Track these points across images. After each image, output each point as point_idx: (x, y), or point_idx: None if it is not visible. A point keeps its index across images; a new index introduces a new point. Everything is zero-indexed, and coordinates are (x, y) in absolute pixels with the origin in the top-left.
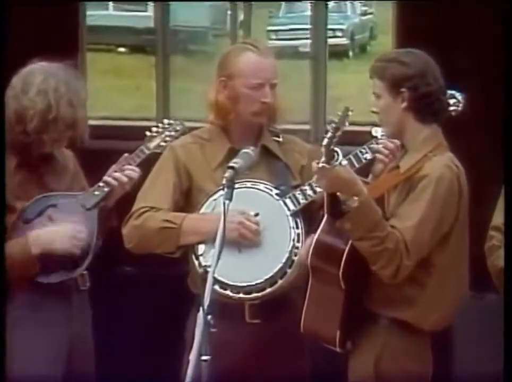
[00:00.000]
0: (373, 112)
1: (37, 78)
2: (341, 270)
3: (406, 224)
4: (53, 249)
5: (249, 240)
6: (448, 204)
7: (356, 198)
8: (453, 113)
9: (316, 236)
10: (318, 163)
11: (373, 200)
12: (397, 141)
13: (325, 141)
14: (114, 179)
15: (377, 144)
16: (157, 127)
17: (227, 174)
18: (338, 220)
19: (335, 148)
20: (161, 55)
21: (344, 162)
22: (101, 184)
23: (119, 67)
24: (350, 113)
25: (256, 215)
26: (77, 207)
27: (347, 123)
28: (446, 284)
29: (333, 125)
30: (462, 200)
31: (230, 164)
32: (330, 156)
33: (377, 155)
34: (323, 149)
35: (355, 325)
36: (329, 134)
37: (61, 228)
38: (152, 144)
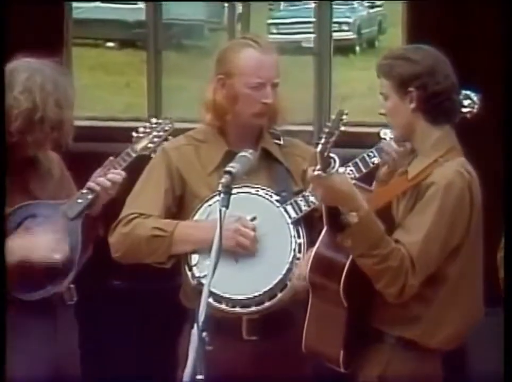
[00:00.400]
0: (381, 114)
1: (22, 75)
2: (341, 286)
3: (411, 238)
4: (31, 260)
5: (246, 249)
6: (457, 215)
7: (355, 213)
8: (468, 115)
9: (314, 249)
10: (313, 171)
11: (379, 209)
12: (406, 146)
13: (319, 148)
14: (98, 184)
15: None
16: (144, 127)
17: (223, 180)
18: (338, 235)
19: (332, 155)
20: (152, 51)
21: (342, 170)
22: (84, 191)
23: (107, 63)
24: (344, 116)
25: (253, 219)
26: (58, 217)
27: (341, 128)
28: (455, 299)
29: (326, 130)
30: (475, 210)
31: (227, 169)
32: (326, 163)
33: (382, 155)
34: (317, 156)
35: (359, 344)
36: (322, 140)
37: (39, 238)
38: (139, 146)
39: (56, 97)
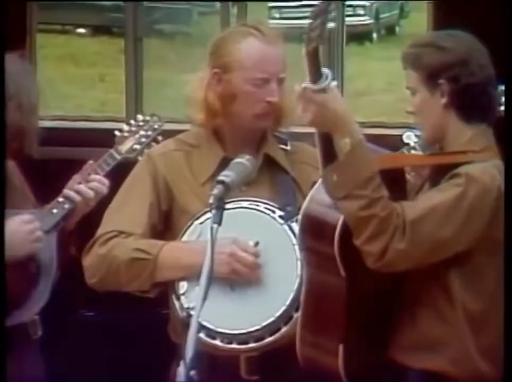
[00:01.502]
0: (409, 112)
1: None
2: (335, 245)
3: (413, 204)
4: (7, 257)
5: (244, 277)
6: (475, 213)
7: (347, 140)
8: (504, 115)
9: (304, 205)
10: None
11: (391, 185)
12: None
13: (305, 47)
14: (77, 192)
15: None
16: (129, 124)
17: (215, 191)
18: (324, 170)
19: (323, 69)
20: (131, 38)
21: (334, 83)
22: (60, 199)
23: (78, 53)
24: (332, 6)
25: (256, 244)
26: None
27: (329, 15)
28: (483, 324)
29: (312, 14)
30: (499, 219)
31: (219, 178)
32: (316, 72)
33: None
34: (305, 61)
35: (362, 344)
36: (307, 34)
37: (8, 229)
38: (124, 147)
39: (17, 102)
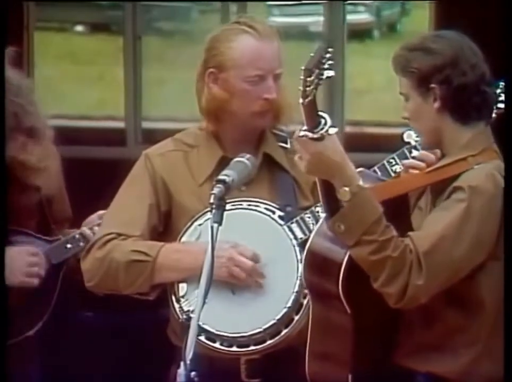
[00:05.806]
0: (404, 118)
1: None
2: (340, 286)
3: (422, 233)
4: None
5: (242, 281)
6: (485, 224)
7: (346, 188)
8: (503, 110)
9: (308, 243)
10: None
11: (393, 212)
12: (437, 152)
13: (300, 98)
14: (95, 233)
15: (410, 153)
16: None
17: (215, 190)
18: (328, 220)
19: (321, 113)
20: (130, 36)
21: (333, 130)
22: (76, 236)
23: (76, 51)
24: (328, 55)
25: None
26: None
27: (325, 66)
28: (498, 326)
29: (303, 69)
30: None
31: (220, 177)
32: (313, 121)
33: (411, 171)
34: (301, 110)
35: (372, 369)
36: (301, 87)
37: (8, 254)
38: None
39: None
